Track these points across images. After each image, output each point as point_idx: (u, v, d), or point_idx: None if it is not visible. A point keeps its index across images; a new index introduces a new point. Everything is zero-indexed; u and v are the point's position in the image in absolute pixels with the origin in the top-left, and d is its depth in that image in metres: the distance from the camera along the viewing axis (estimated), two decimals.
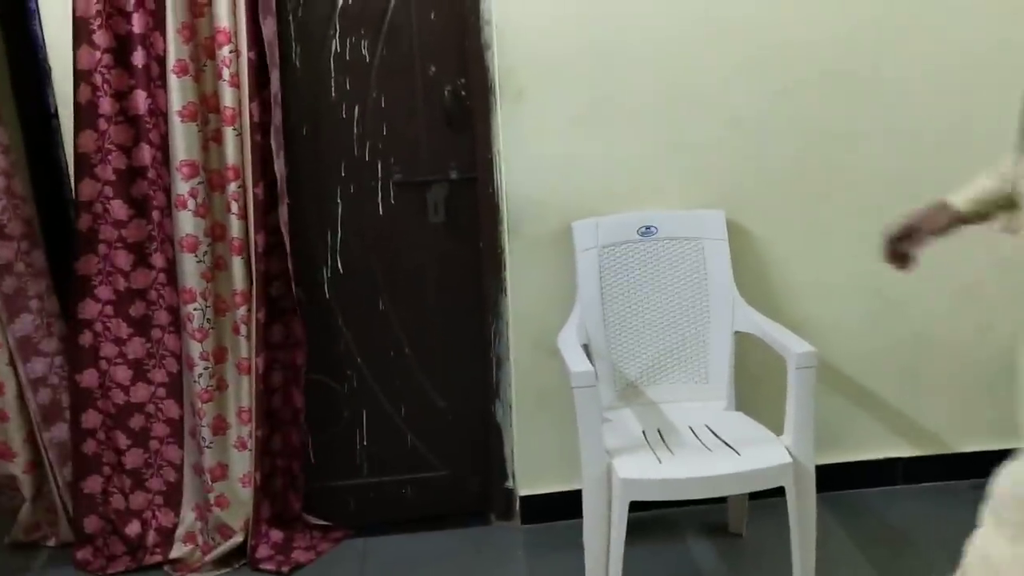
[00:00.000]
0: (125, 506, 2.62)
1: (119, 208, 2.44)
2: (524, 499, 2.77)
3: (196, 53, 2.36)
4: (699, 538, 2.66)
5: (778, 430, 2.26)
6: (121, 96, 2.38)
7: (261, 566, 2.57)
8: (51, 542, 2.69)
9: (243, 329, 2.50)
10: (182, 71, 2.33)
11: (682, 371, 2.56)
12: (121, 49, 2.35)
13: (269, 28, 2.35)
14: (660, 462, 2.18)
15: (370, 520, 2.78)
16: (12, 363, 2.52)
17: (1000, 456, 2.97)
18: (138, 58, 2.34)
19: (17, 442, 2.59)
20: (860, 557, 2.52)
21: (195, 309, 2.47)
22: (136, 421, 2.58)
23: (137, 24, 2.32)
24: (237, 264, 2.46)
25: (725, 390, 2.53)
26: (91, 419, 2.56)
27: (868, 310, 2.74)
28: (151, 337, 2.55)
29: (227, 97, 2.36)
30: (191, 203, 2.41)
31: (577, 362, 2.18)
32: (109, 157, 2.41)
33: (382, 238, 2.63)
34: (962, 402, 2.82)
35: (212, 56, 2.37)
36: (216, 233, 2.48)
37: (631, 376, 2.55)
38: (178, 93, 2.34)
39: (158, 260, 2.49)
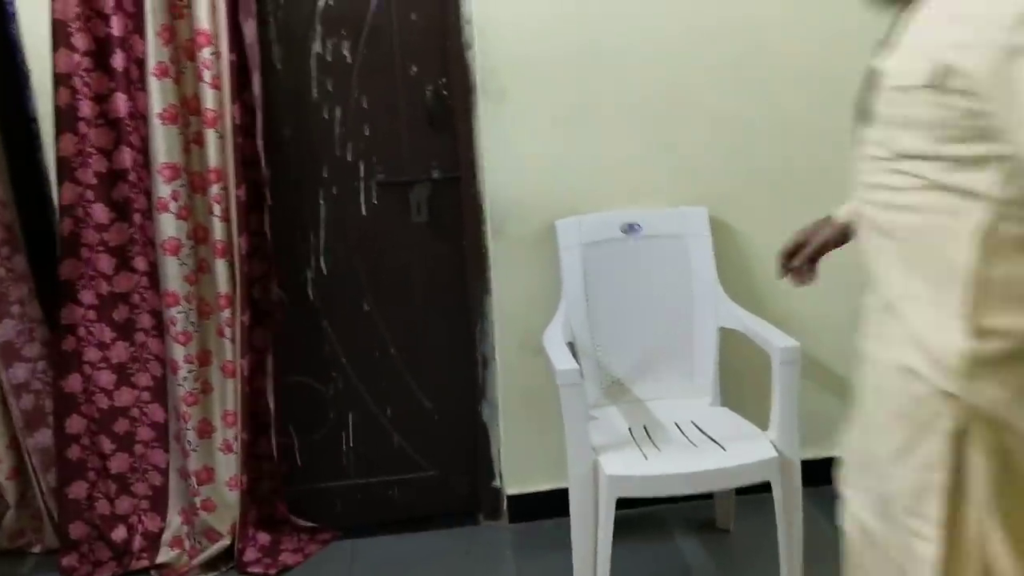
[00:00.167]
0: (111, 511, 2.61)
1: (100, 212, 2.43)
2: (512, 498, 2.77)
3: (176, 55, 2.35)
4: (687, 535, 2.66)
5: (763, 425, 2.26)
6: (101, 99, 2.37)
7: (249, 569, 2.56)
8: (36, 549, 2.67)
9: (228, 332, 2.49)
10: (162, 73, 2.32)
11: (667, 368, 2.57)
12: (100, 52, 2.34)
13: (250, 30, 2.34)
14: (646, 458, 2.18)
15: (358, 521, 2.77)
16: None
17: None
18: (117, 61, 2.33)
19: (0, 448, 2.57)
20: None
21: (179, 312, 2.46)
22: (120, 425, 2.57)
23: (116, 27, 2.31)
24: (220, 267, 2.45)
25: (710, 386, 2.54)
26: (75, 424, 2.54)
27: (852, 305, 2.74)
28: (135, 341, 2.54)
29: (208, 99, 2.35)
30: (173, 206, 2.40)
31: (562, 360, 2.18)
32: (90, 160, 2.39)
33: (366, 239, 2.63)
34: None
35: (192, 58, 2.36)
36: (199, 236, 2.47)
37: (617, 373, 2.55)
38: (159, 95, 2.33)
39: (140, 263, 2.48)
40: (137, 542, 2.61)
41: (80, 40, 2.31)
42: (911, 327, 1.23)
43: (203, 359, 2.53)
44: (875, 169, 1.29)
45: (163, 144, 2.36)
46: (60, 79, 2.32)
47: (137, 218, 2.45)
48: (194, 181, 2.44)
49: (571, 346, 2.39)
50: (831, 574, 1.76)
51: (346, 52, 2.51)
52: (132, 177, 2.42)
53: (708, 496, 2.66)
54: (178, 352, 2.48)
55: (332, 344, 2.68)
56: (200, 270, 2.49)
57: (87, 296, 2.48)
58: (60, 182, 2.40)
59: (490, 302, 2.64)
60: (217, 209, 2.42)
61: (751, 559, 2.54)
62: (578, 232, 2.52)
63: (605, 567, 2.17)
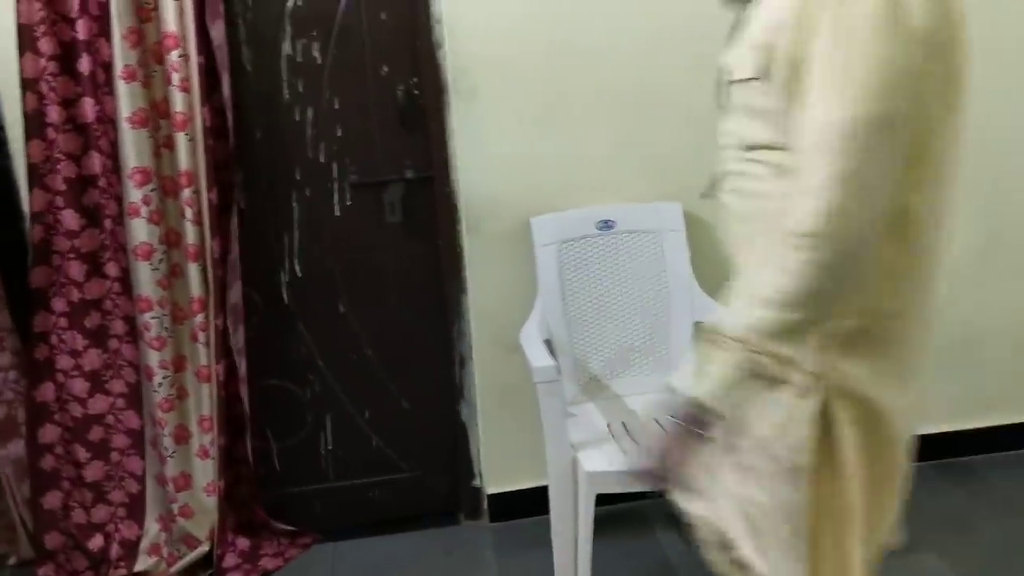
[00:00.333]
0: (87, 520, 2.58)
1: (71, 218, 2.40)
2: (492, 497, 2.77)
3: (144, 58, 2.33)
4: (667, 530, 2.66)
5: None
6: (68, 104, 2.35)
7: (229, 575, 2.55)
8: (11, 560, 2.64)
9: (202, 336, 2.47)
10: (130, 77, 2.30)
11: (645, 363, 2.57)
12: (66, 56, 2.31)
13: (218, 32, 2.33)
14: (625, 454, 2.18)
15: (338, 524, 2.76)
16: None
17: (958, 436, 3.00)
18: (84, 65, 2.31)
19: None
20: None
21: (152, 318, 2.44)
22: (95, 433, 2.54)
23: (82, 30, 2.28)
24: (193, 271, 2.43)
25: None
26: (49, 433, 2.52)
27: None
28: (108, 348, 2.51)
29: (178, 102, 2.33)
30: (144, 210, 2.38)
31: (539, 357, 2.18)
32: (59, 166, 2.37)
33: (340, 240, 2.62)
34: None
35: (161, 61, 2.34)
36: (171, 240, 2.45)
37: (594, 370, 2.55)
38: (127, 99, 2.31)
39: (112, 269, 2.45)
40: (114, 550, 2.59)
41: (46, 44, 2.28)
42: None
43: (178, 364, 2.52)
44: (732, 159, 1.35)
45: (133, 148, 2.34)
46: (27, 84, 2.29)
47: (108, 224, 2.42)
48: (165, 185, 2.42)
49: (548, 343, 2.39)
50: None
51: (316, 53, 2.49)
52: (102, 183, 2.40)
53: None
54: (153, 358, 2.46)
55: (308, 346, 2.67)
56: (173, 274, 2.47)
57: (59, 304, 2.46)
58: (30, 189, 2.37)
59: (466, 301, 2.63)
60: (189, 213, 2.40)
61: None
62: (553, 229, 2.52)
63: (586, 564, 2.18)
